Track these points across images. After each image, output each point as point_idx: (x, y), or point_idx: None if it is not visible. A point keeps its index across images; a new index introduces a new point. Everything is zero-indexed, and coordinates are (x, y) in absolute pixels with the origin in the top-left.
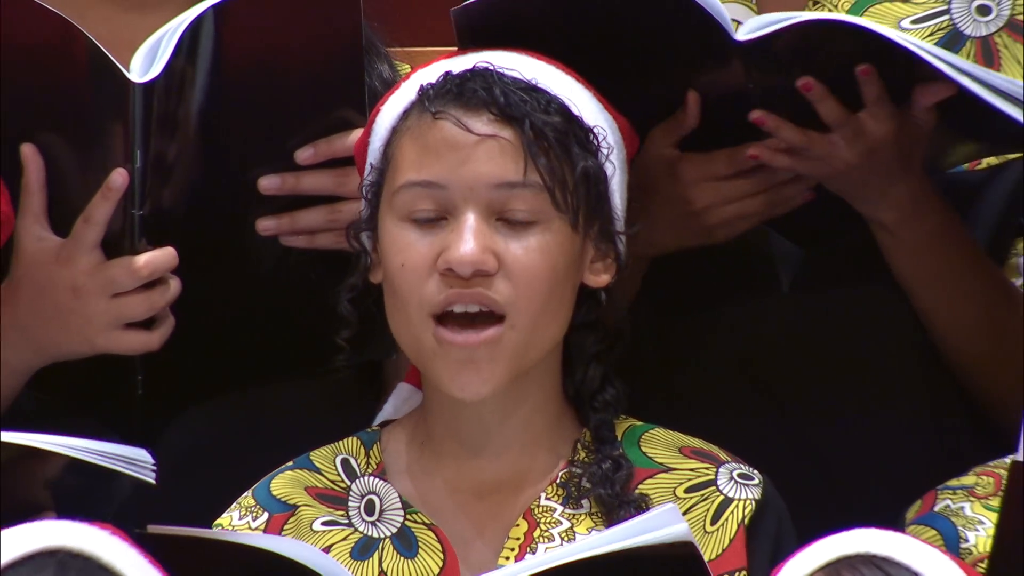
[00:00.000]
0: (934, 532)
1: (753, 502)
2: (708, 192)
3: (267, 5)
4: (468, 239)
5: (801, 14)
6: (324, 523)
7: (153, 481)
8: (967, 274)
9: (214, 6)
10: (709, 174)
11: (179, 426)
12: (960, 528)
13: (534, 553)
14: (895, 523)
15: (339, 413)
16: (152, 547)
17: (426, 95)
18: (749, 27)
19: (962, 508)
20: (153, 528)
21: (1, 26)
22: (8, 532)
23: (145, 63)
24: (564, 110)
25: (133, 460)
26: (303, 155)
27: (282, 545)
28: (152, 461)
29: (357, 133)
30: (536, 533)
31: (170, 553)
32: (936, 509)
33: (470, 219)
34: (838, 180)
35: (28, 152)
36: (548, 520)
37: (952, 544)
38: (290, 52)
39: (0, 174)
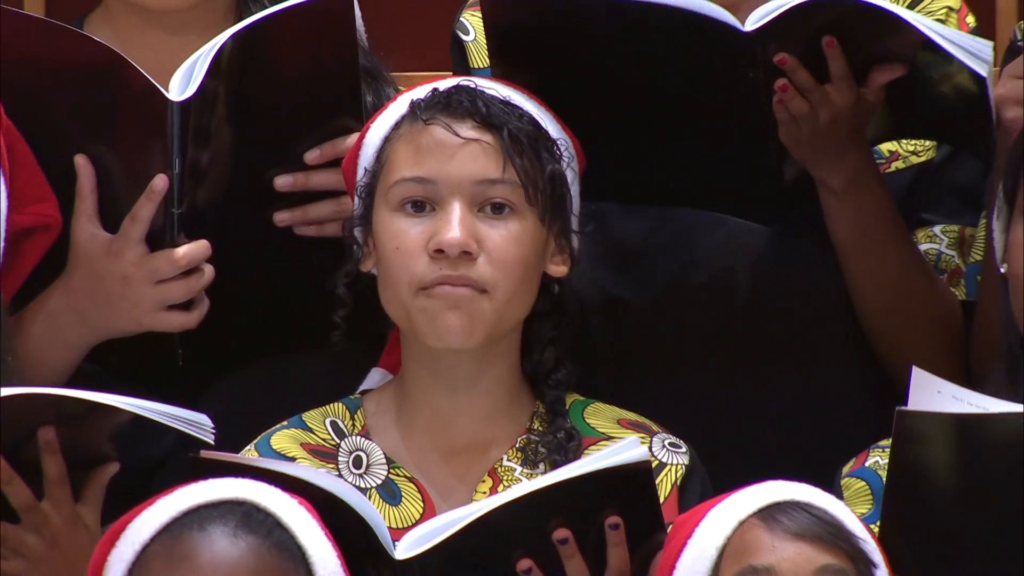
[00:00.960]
0: (863, 484)
1: (683, 467)
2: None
3: (280, 34)
4: (455, 225)
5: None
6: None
7: (212, 441)
8: (892, 241)
9: (235, 34)
10: None
11: (213, 392)
12: (884, 480)
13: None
14: (832, 478)
15: (340, 381)
16: (205, 471)
17: (417, 106)
18: (754, 18)
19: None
20: (206, 453)
21: (55, 54)
22: (207, 483)
23: (182, 83)
24: (534, 121)
25: (195, 423)
26: (311, 157)
27: (318, 477)
28: (211, 425)
29: (355, 137)
30: (500, 488)
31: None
32: (867, 464)
33: (456, 209)
34: (802, 146)
35: (81, 162)
36: (509, 478)
37: (877, 494)
38: (299, 72)
39: (53, 181)
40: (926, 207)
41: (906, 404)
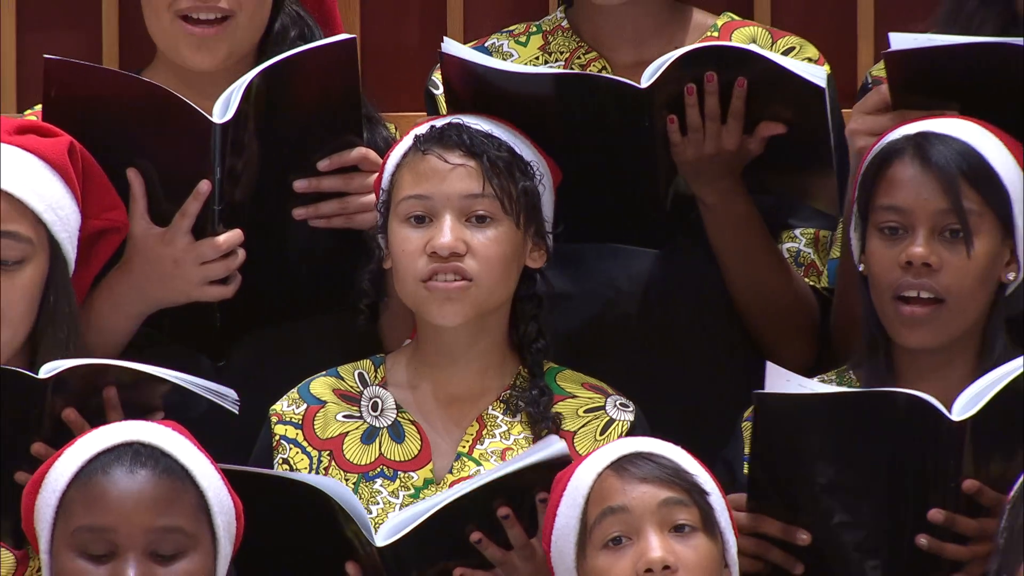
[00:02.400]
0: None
1: (628, 423)
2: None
3: (298, 70)
4: (447, 232)
5: (678, 51)
6: (344, 416)
7: (236, 412)
8: (757, 245)
9: (262, 71)
10: None
11: (243, 346)
12: None
13: (482, 444)
14: (733, 431)
15: (350, 346)
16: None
17: (418, 140)
18: (647, 76)
19: None
20: (224, 467)
21: (129, 94)
22: (102, 430)
23: (221, 109)
24: (510, 148)
25: (223, 395)
26: (322, 165)
27: (314, 479)
28: (236, 398)
29: (359, 149)
30: (484, 432)
31: (237, 483)
32: None
33: (447, 219)
34: (689, 167)
35: (131, 174)
36: (492, 424)
37: None
38: (313, 99)
39: (118, 190)
40: (788, 215)
41: (763, 389)
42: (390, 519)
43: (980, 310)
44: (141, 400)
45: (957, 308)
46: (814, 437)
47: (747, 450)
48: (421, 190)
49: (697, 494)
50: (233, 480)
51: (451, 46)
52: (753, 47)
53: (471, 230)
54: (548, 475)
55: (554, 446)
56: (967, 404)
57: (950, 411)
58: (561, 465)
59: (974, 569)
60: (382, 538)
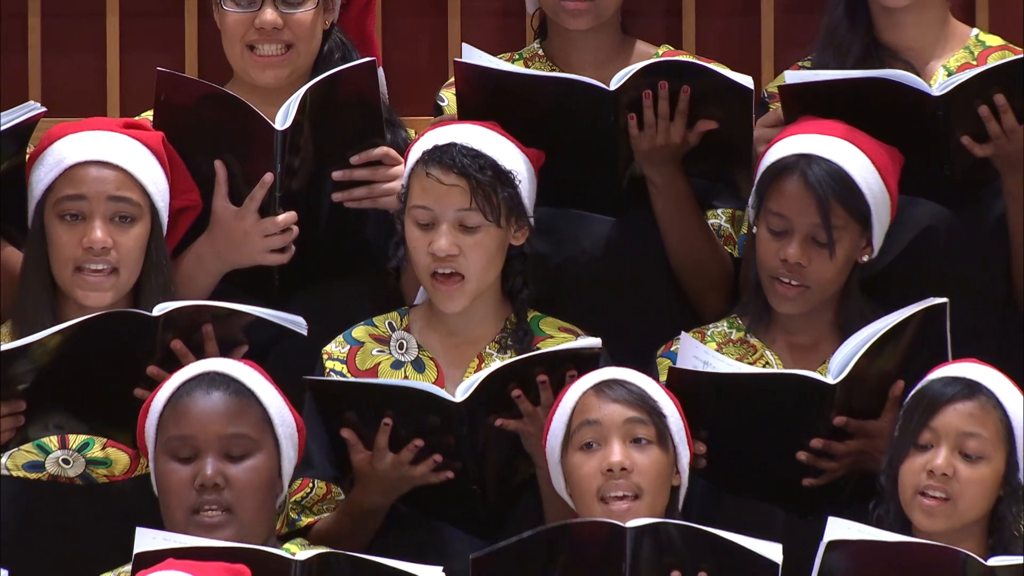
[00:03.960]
0: (668, 361)
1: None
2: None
3: (335, 87)
4: (442, 238)
5: (639, 63)
6: (376, 352)
7: (305, 333)
8: (691, 219)
9: (310, 87)
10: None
11: (296, 300)
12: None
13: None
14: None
15: (379, 301)
16: (321, 391)
17: (423, 158)
18: (615, 80)
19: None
20: (308, 378)
21: (213, 104)
22: (189, 366)
23: (282, 118)
24: (494, 165)
25: (294, 322)
26: (354, 160)
27: (398, 382)
28: (305, 323)
29: (382, 148)
30: (482, 366)
31: (325, 393)
32: (672, 349)
33: (444, 227)
34: (643, 154)
35: (218, 165)
36: (488, 360)
37: (675, 360)
38: (345, 108)
39: (203, 178)
40: (714, 197)
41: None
42: (462, 384)
43: (838, 286)
44: (229, 332)
45: (819, 291)
46: (714, 401)
47: (662, 378)
48: (424, 203)
49: (656, 415)
50: (349, 389)
51: (470, 53)
52: (697, 60)
53: (463, 235)
54: (577, 363)
55: (587, 340)
56: (839, 369)
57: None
58: (589, 356)
59: (831, 476)
60: (459, 396)
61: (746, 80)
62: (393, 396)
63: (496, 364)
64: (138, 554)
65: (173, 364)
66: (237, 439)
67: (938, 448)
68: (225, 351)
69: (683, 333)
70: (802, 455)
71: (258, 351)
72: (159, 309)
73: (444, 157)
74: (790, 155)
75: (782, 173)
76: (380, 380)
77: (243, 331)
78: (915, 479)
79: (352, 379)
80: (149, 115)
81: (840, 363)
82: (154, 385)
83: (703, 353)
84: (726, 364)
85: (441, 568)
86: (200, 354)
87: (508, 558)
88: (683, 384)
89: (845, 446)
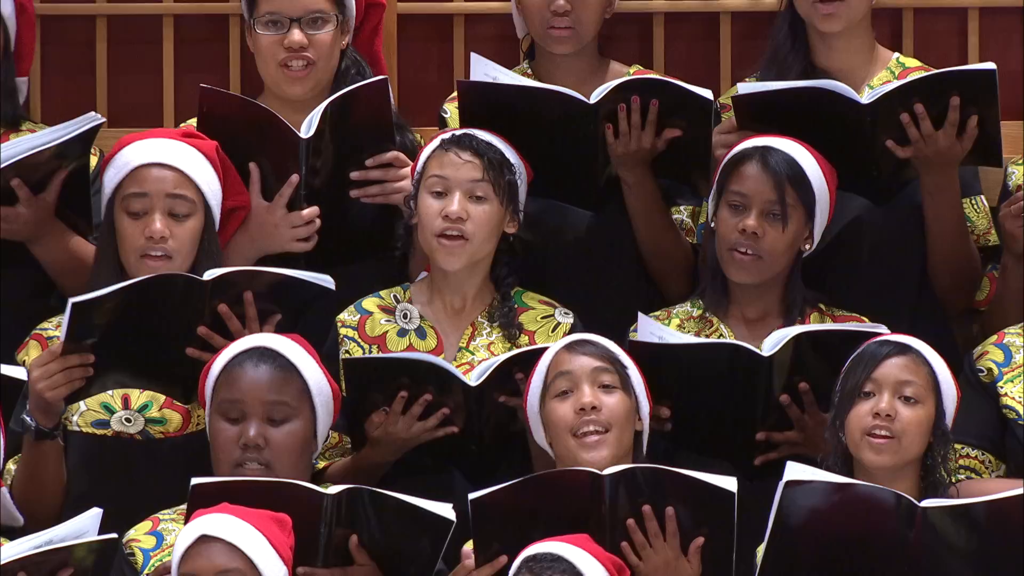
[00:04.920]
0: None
1: (569, 324)
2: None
3: (352, 101)
4: (455, 204)
5: (615, 80)
6: (384, 321)
7: (333, 288)
8: (657, 213)
9: (331, 102)
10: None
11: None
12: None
13: (474, 341)
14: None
15: (387, 278)
16: (354, 368)
17: (444, 141)
18: (596, 95)
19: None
20: (351, 359)
21: (248, 114)
22: (240, 340)
23: (306, 128)
24: (502, 154)
25: (323, 279)
26: (368, 163)
27: (418, 356)
28: (332, 281)
29: (392, 152)
30: (475, 333)
31: (357, 369)
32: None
33: (457, 194)
34: (617, 158)
35: (252, 167)
36: (480, 328)
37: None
38: (362, 118)
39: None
40: (677, 195)
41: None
42: (475, 371)
43: (785, 264)
44: (266, 302)
45: (770, 261)
46: (671, 371)
47: None
48: (442, 173)
49: (619, 366)
50: (376, 363)
51: (477, 62)
52: (664, 78)
53: (472, 204)
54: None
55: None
56: (772, 345)
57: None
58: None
59: (788, 448)
60: (473, 381)
61: (706, 93)
62: (419, 370)
63: (504, 355)
64: (195, 485)
65: (221, 327)
66: (278, 406)
67: (880, 395)
68: (262, 319)
69: (640, 315)
70: (761, 435)
71: (290, 318)
72: (208, 275)
73: (463, 139)
74: (750, 147)
75: (743, 159)
76: (410, 355)
77: (278, 299)
78: (862, 422)
79: (383, 355)
80: (195, 121)
81: (775, 340)
82: (204, 345)
83: (658, 329)
84: (677, 338)
85: (451, 505)
86: (243, 319)
87: (503, 500)
88: (640, 354)
89: (783, 436)
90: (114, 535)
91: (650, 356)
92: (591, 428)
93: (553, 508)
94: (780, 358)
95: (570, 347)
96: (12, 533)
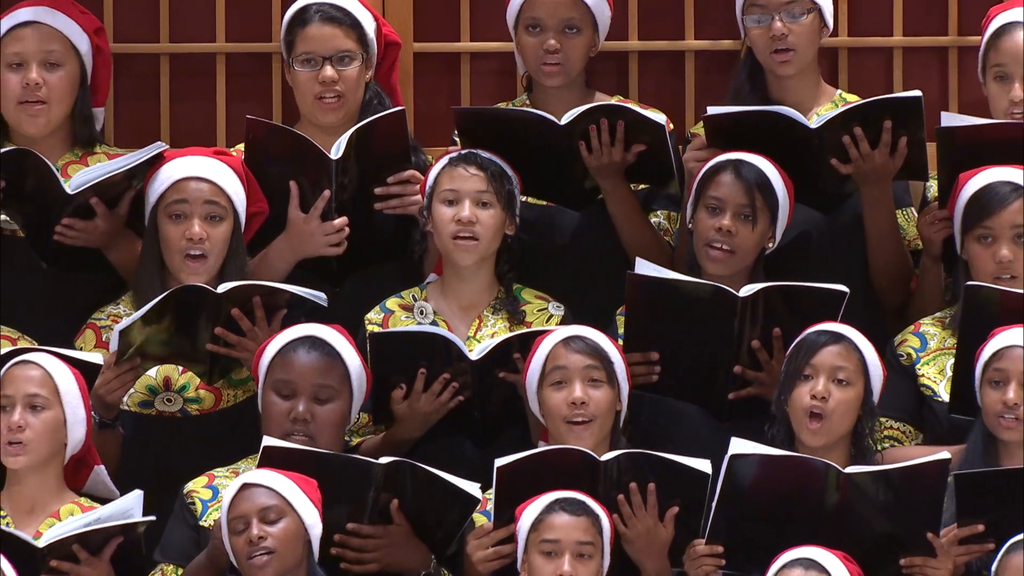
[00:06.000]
0: (622, 317)
1: (561, 315)
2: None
3: (375, 128)
4: (466, 210)
5: (583, 107)
6: (404, 317)
7: (325, 304)
8: (636, 217)
9: (356, 129)
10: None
11: (349, 279)
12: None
13: (480, 332)
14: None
15: (407, 279)
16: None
17: (452, 159)
18: (567, 118)
19: None
20: (374, 334)
21: (286, 140)
22: (292, 328)
23: (336, 150)
24: (502, 168)
25: (318, 296)
26: (389, 180)
27: (422, 328)
28: (324, 296)
29: (409, 171)
30: (481, 325)
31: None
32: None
33: (467, 202)
34: (594, 169)
35: (292, 185)
36: (485, 321)
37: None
38: (383, 142)
39: (277, 194)
40: (654, 202)
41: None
42: (476, 348)
43: (752, 259)
44: (274, 303)
45: (741, 256)
46: (661, 305)
47: (620, 330)
48: (452, 186)
49: (607, 363)
50: (387, 338)
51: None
52: (622, 103)
53: (479, 210)
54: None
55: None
56: (746, 291)
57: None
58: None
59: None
60: (474, 356)
61: (659, 116)
62: (435, 345)
63: (501, 337)
64: (266, 446)
65: (233, 327)
66: (324, 388)
67: (817, 378)
68: (269, 315)
69: (639, 259)
70: (738, 369)
71: (293, 316)
72: (222, 287)
73: (469, 156)
74: (725, 160)
75: (720, 170)
76: (425, 328)
77: (284, 300)
78: (802, 402)
79: (402, 329)
80: (241, 146)
81: (749, 289)
82: (220, 341)
83: (654, 270)
84: (669, 275)
85: (479, 485)
86: (252, 318)
87: (524, 468)
88: (638, 286)
89: (755, 374)
90: (152, 517)
91: (647, 288)
92: (579, 419)
93: (560, 479)
94: (752, 303)
95: (566, 343)
96: (103, 503)
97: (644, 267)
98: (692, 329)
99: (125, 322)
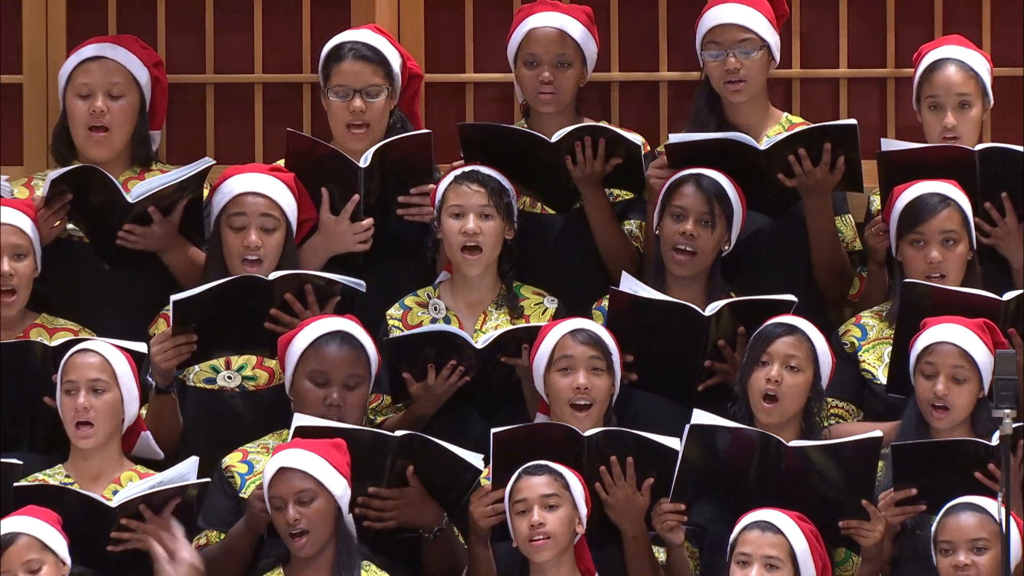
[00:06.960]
0: (600, 313)
1: (554, 309)
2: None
3: (400, 146)
4: (471, 223)
5: (568, 127)
6: (420, 313)
7: (364, 291)
8: (611, 224)
9: (382, 145)
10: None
11: (371, 271)
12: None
13: (485, 325)
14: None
15: (424, 278)
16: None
17: (457, 177)
18: (556, 135)
19: None
20: (387, 339)
21: (320, 152)
22: (321, 321)
23: (363, 160)
24: (500, 183)
25: (358, 283)
26: (412, 191)
27: (428, 327)
28: (363, 283)
29: (431, 185)
30: (486, 319)
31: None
32: (602, 305)
33: (471, 216)
34: (577, 179)
35: (324, 191)
36: (489, 315)
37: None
38: (407, 158)
39: (312, 198)
40: (628, 210)
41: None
42: (480, 338)
43: (710, 261)
44: (324, 291)
45: (701, 257)
46: (639, 320)
47: (597, 322)
48: (458, 202)
49: (607, 353)
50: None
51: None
52: (603, 125)
53: (482, 222)
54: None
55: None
56: (711, 310)
57: (703, 309)
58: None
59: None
60: (479, 345)
61: (636, 137)
62: (444, 339)
63: (503, 329)
64: (298, 427)
65: (287, 309)
66: (353, 376)
67: (772, 365)
68: (322, 301)
69: (624, 273)
70: (708, 363)
71: (346, 303)
72: (272, 275)
73: (471, 174)
74: (687, 174)
75: (683, 182)
76: (437, 327)
77: (335, 287)
78: (758, 386)
79: (416, 331)
80: (282, 162)
81: (713, 307)
82: (277, 321)
83: (635, 286)
84: (648, 293)
85: (482, 456)
86: (304, 303)
87: (517, 438)
88: (619, 302)
89: (721, 365)
90: (208, 479)
91: (627, 303)
92: (581, 402)
93: (550, 449)
94: (716, 318)
95: (573, 334)
96: (150, 464)
97: (627, 283)
98: (665, 336)
99: (182, 295)
